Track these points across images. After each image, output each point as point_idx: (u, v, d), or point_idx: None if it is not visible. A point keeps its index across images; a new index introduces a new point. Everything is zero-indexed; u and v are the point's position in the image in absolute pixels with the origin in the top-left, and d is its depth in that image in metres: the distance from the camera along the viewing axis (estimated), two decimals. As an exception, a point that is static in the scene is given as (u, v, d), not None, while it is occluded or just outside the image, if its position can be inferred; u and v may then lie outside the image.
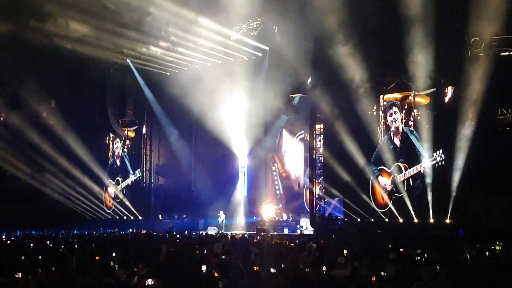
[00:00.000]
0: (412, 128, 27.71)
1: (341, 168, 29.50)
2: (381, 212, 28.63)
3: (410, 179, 27.49)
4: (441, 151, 25.63)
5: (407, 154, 27.89)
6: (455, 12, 25.59)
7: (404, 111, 28.22)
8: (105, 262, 12.62)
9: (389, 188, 28.61)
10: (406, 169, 27.70)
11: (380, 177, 29.03)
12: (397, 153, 28.35)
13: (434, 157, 25.90)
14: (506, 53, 25.05)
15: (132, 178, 44.80)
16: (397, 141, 28.50)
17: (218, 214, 36.81)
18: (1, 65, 36.00)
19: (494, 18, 23.29)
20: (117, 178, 45.66)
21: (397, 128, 28.47)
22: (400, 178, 27.94)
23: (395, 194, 28.13)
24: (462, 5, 25.21)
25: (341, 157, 29.49)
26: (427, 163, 26.36)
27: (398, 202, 27.91)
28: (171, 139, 42.74)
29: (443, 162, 25.58)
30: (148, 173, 44.62)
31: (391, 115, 28.61)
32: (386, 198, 28.68)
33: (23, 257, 14.19)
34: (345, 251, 15.32)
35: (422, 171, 26.73)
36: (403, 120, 28.19)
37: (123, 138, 45.95)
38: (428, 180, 26.47)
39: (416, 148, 27.27)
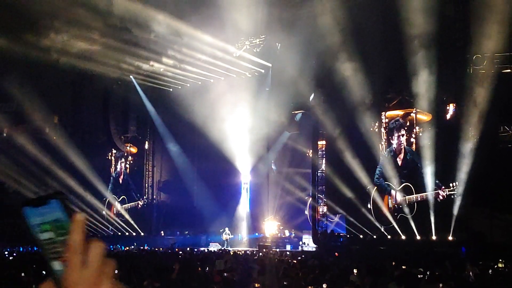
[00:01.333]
0: (413, 149, 27.74)
1: (344, 185, 29.49)
2: (383, 227, 28.53)
3: (415, 202, 27.43)
4: (456, 183, 25.54)
5: (412, 175, 27.74)
6: (457, 29, 25.74)
7: (407, 129, 28.24)
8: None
9: (393, 206, 28.53)
10: (414, 191, 27.55)
11: (387, 194, 28.93)
12: (401, 173, 28.28)
13: (452, 188, 25.74)
14: (508, 70, 25.14)
15: (140, 202, 44.67)
16: (399, 161, 28.46)
17: (221, 231, 36.68)
18: (5, 81, 36.16)
19: (496, 36, 23.40)
20: (123, 196, 45.51)
21: (402, 148, 28.37)
22: (409, 199, 27.82)
23: (402, 214, 27.98)
24: (464, 22, 25.36)
25: (343, 174, 29.49)
26: (440, 193, 26.22)
27: (401, 219, 27.86)
28: (174, 155, 42.73)
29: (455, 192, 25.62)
30: (151, 189, 44.58)
31: (398, 137, 28.47)
32: (388, 216, 28.60)
33: (25, 274, 14.19)
34: (355, 270, 15.18)
35: (435, 198, 26.61)
36: (409, 141, 28.13)
37: (126, 154, 45.95)
38: (431, 198, 26.46)
39: (420, 171, 27.16)
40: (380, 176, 29.08)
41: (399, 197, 28.33)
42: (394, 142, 28.78)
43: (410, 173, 27.83)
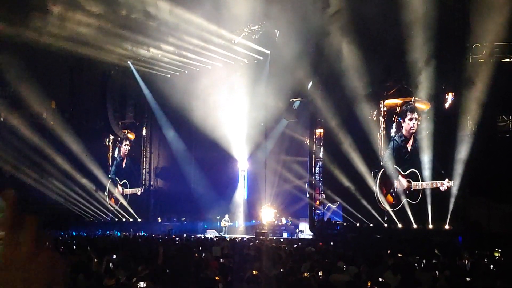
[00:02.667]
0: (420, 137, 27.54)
1: (341, 173, 29.48)
2: (391, 211, 28.40)
3: (420, 189, 27.28)
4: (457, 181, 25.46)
5: (419, 162, 27.48)
6: (456, 18, 25.67)
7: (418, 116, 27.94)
8: (105, 264, 12.61)
9: (399, 190, 28.38)
10: (421, 178, 27.41)
11: (393, 178, 28.75)
12: (409, 158, 28.11)
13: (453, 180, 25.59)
14: (507, 60, 25.10)
15: (141, 189, 44.57)
16: (409, 147, 28.24)
17: (219, 217, 36.67)
18: (2, 65, 36.00)
19: (495, 25, 23.34)
20: (124, 180, 45.48)
21: (413, 133, 28.12)
22: (415, 186, 27.70)
23: (407, 199, 27.86)
24: (463, 11, 25.30)
25: (341, 162, 29.47)
26: (445, 184, 26.10)
27: (400, 206, 27.88)
28: (171, 142, 42.72)
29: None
30: (148, 175, 44.55)
31: (411, 119, 28.15)
32: (392, 200, 28.49)
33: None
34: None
35: (438, 188, 26.53)
36: (418, 127, 27.86)
37: (123, 140, 45.88)
38: (434, 186, 26.46)
39: (426, 159, 26.99)
40: (388, 160, 28.89)
41: (405, 182, 28.17)
42: (405, 126, 28.44)
43: (417, 161, 27.53)
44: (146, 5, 32.38)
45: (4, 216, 1.33)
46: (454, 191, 25.11)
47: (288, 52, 31.34)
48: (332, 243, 24.72)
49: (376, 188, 29.07)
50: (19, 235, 1.31)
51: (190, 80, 38.12)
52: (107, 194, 45.28)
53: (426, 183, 26.87)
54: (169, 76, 41.40)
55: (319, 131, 32.35)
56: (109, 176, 45.69)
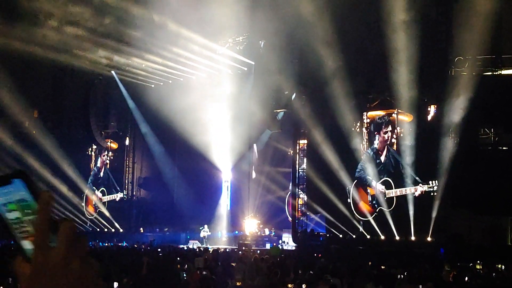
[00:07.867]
0: (395, 149, 27.82)
1: (324, 184, 29.47)
2: (362, 222, 28.52)
3: (394, 197, 27.47)
4: (436, 182, 25.64)
5: (392, 172, 27.75)
6: (439, 31, 25.86)
7: (392, 129, 28.20)
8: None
9: (373, 199, 28.52)
10: (394, 186, 27.56)
11: (367, 187, 28.89)
12: (383, 169, 28.29)
13: (431, 185, 25.78)
14: (489, 73, 25.31)
15: (119, 195, 44.17)
16: (382, 158, 28.45)
17: (201, 228, 36.55)
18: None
19: (478, 39, 23.53)
20: (102, 188, 45.18)
21: (386, 145, 28.32)
22: (388, 193, 27.83)
23: (381, 208, 27.98)
24: (446, 25, 25.50)
25: (324, 172, 29.48)
26: (418, 189, 26.28)
27: (380, 219, 27.94)
28: (154, 152, 42.53)
29: (435, 193, 25.73)
30: (130, 185, 44.31)
31: (386, 133, 28.36)
32: (368, 209, 28.62)
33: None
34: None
35: (413, 194, 26.65)
36: (390, 141, 28.12)
37: (106, 150, 45.64)
38: (410, 197, 26.57)
39: (401, 169, 27.22)
40: (361, 170, 29.03)
41: (379, 191, 28.31)
42: (379, 138, 28.66)
43: (391, 170, 27.81)
44: (130, 14, 32.31)
45: (37, 217, 1.29)
46: (436, 202, 25.21)
47: (272, 63, 31.41)
48: (315, 254, 24.71)
49: (349, 200, 29.23)
50: (51, 239, 1.27)
51: (174, 90, 37.99)
52: (90, 203, 44.99)
53: (400, 190, 27.04)
54: (153, 86, 41.32)
55: (303, 142, 32.39)
56: (88, 183, 45.35)
